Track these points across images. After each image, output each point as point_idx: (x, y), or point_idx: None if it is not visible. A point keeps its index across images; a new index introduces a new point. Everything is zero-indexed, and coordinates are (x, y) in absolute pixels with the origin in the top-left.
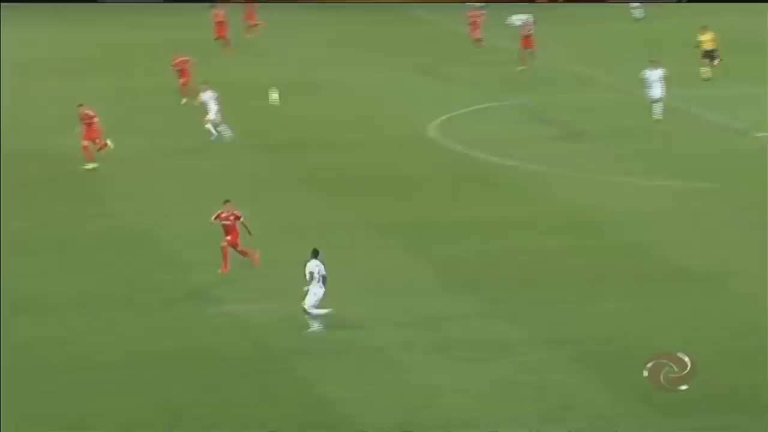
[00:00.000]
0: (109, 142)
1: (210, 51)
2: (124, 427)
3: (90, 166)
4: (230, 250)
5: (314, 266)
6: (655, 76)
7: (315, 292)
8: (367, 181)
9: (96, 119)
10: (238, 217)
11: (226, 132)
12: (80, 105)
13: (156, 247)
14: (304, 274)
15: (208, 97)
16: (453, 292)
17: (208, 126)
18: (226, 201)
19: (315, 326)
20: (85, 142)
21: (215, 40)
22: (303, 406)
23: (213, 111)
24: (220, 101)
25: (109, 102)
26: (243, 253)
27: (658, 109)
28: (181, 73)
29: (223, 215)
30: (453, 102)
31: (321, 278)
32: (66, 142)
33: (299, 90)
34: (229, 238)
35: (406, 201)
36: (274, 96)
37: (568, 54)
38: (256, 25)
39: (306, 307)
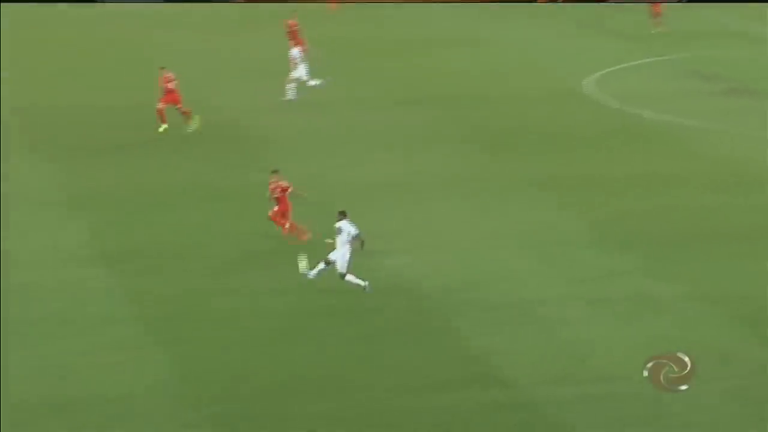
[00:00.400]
0: (197, 120)
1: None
2: (287, 378)
3: (162, 128)
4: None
5: (342, 225)
6: None
7: (343, 254)
8: (522, 135)
9: (175, 83)
10: (284, 189)
11: (317, 83)
12: (162, 68)
13: (316, 199)
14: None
15: (296, 54)
16: (609, 248)
17: (291, 84)
18: (274, 171)
19: (365, 285)
20: (162, 105)
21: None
22: (457, 358)
23: (300, 69)
24: (306, 59)
25: (255, 60)
26: (291, 228)
27: None
28: (291, 35)
29: (272, 186)
30: (609, 57)
31: (352, 238)
32: (219, 98)
33: (455, 45)
34: (276, 209)
35: (561, 156)
36: (303, 263)
37: (725, 9)
38: None
39: (342, 272)
